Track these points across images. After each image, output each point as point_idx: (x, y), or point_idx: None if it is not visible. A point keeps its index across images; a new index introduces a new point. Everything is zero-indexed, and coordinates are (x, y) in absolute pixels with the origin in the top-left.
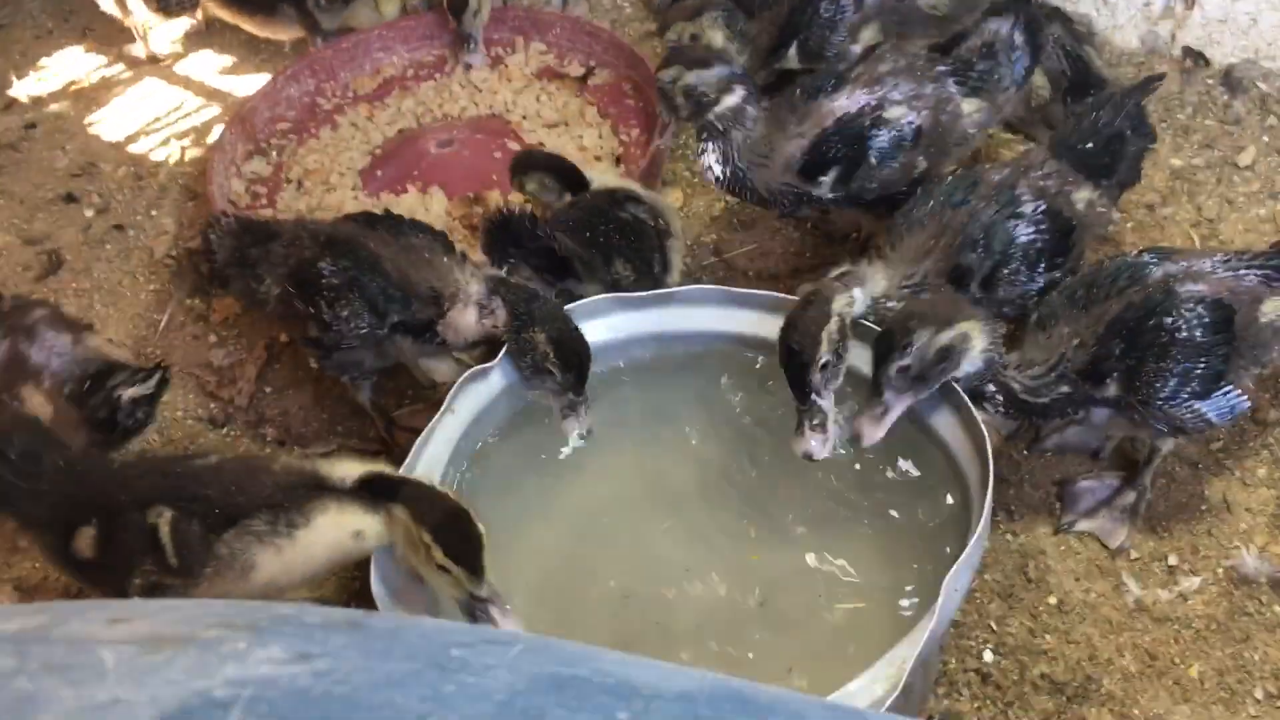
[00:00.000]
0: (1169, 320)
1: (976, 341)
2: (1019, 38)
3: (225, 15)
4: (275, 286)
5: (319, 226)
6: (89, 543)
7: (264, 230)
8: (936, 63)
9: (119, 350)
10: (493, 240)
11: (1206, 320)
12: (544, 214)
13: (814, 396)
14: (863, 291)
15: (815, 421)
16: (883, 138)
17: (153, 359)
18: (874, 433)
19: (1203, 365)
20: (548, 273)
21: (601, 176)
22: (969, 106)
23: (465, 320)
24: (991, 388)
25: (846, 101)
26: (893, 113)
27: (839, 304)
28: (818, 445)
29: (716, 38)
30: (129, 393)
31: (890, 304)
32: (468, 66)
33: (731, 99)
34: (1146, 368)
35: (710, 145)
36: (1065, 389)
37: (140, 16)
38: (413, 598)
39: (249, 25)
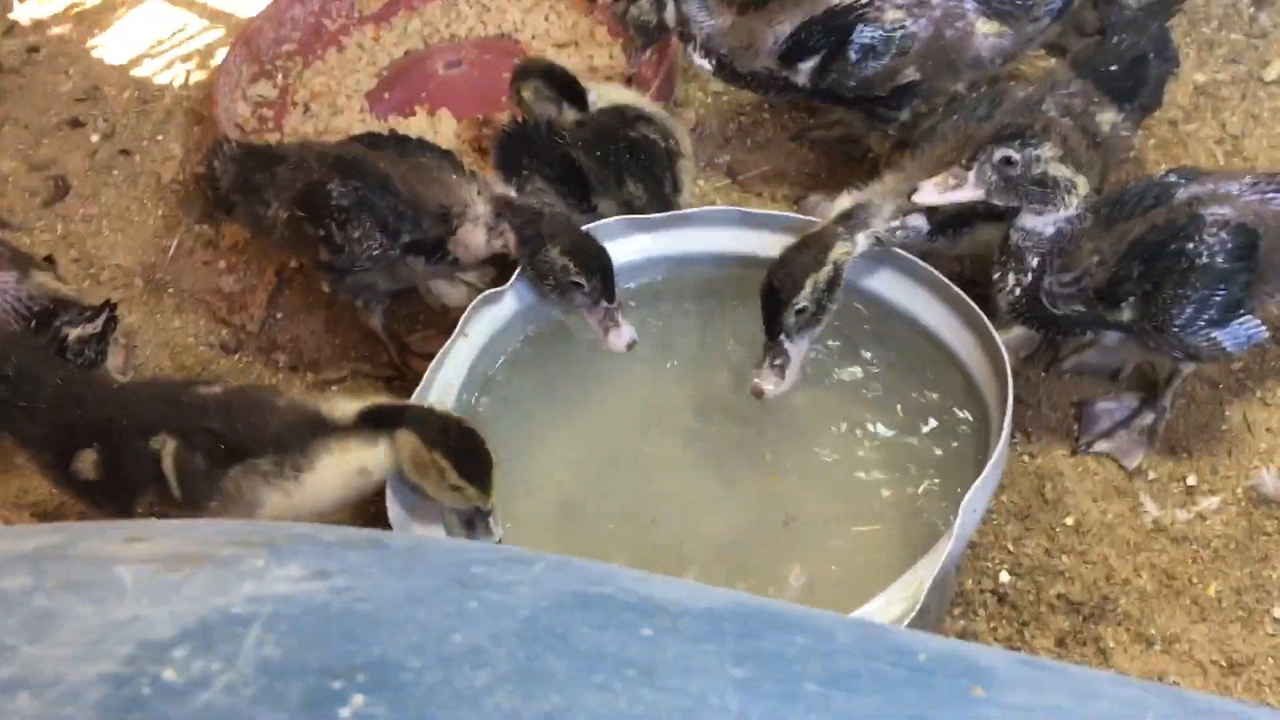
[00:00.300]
0: (1190, 245)
1: (1078, 193)
2: None
3: None
4: (283, 211)
5: (325, 148)
6: (90, 465)
7: (268, 155)
8: None
9: (66, 286)
10: (506, 151)
11: (1230, 246)
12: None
13: (782, 337)
14: (866, 235)
15: (777, 362)
16: (867, 35)
17: (163, 285)
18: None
19: (1222, 292)
20: (561, 183)
21: (608, 92)
22: (986, 28)
23: (475, 239)
24: (1035, 262)
25: None
26: (888, 14)
27: (837, 252)
28: (770, 386)
29: None
30: (75, 333)
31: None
32: None
33: (669, 12)
34: (1164, 293)
35: (689, 49)
36: (1079, 307)
37: None
38: (429, 519)
39: None
